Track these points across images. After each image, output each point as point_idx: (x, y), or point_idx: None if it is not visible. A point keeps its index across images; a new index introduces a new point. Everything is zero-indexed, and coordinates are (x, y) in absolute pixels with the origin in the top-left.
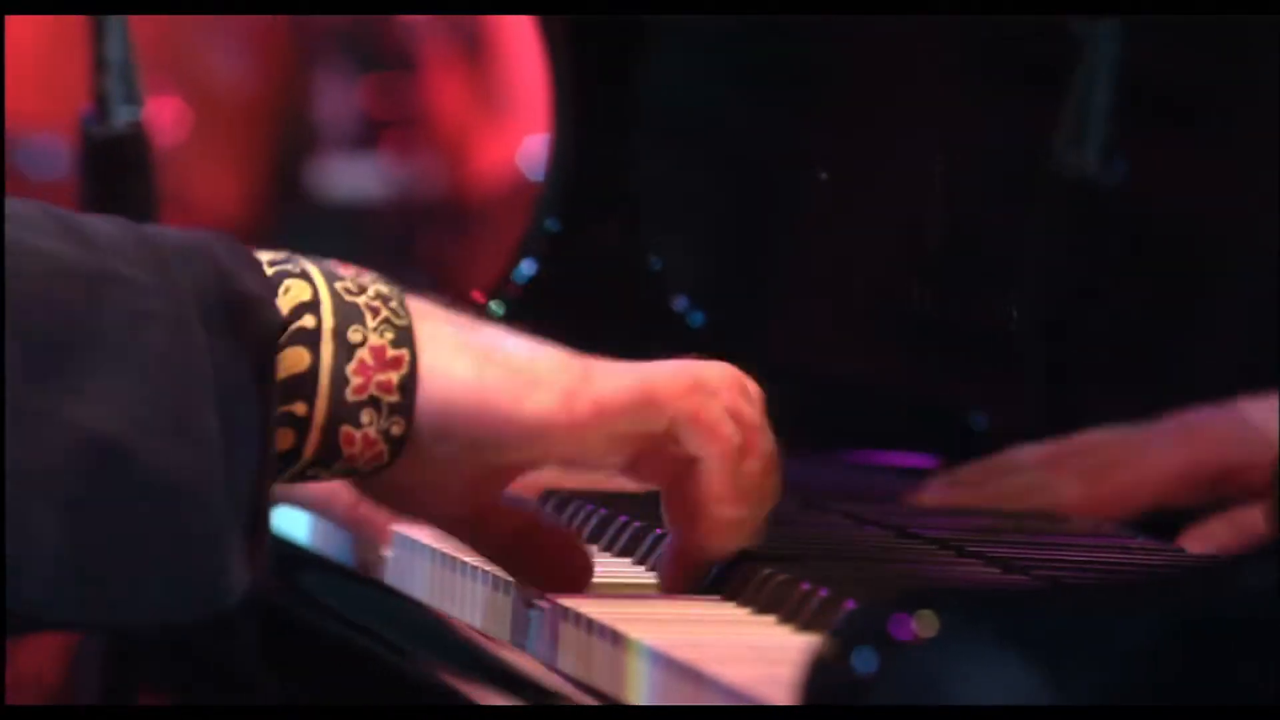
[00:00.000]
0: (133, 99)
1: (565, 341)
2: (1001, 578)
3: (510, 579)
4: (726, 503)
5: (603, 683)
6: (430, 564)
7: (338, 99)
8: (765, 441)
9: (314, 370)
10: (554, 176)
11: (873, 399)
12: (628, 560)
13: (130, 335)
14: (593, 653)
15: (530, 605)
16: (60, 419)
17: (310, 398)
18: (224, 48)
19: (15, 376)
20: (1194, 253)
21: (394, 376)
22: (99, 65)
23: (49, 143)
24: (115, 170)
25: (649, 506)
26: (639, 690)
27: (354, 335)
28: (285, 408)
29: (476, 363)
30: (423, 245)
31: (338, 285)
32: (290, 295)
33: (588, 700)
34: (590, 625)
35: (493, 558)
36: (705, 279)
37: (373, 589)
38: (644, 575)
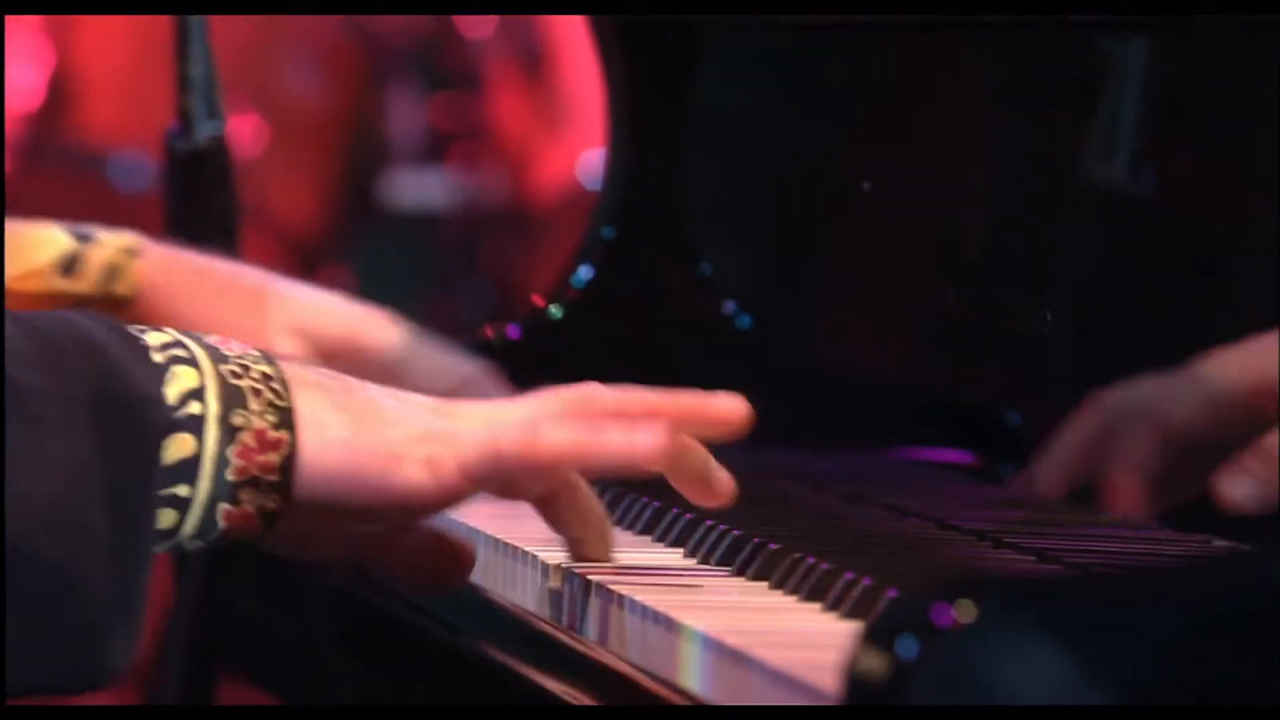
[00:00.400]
0: (214, 115)
1: (621, 343)
2: (1036, 567)
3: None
4: (572, 527)
5: (657, 666)
6: (485, 550)
7: (407, 115)
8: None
9: (198, 456)
10: (610, 187)
11: (912, 398)
12: (679, 552)
13: (24, 440)
14: (647, 638)
15: (598, 594)
16: None
17: (193, 481)
18: (299, 67)
19: None
20: (1218, 258)
21: (275, 458)
22: (183, 84)
23: (136, 157)
24: (198, 183)
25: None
26: (692, 673)
27: (237, 419)
28: (168, 490)
29: (349, 436)
30: (486, 252)
31: (223, 369)
32: (178, 382)
33: (644, 680)
34: (645, 612)
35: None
36: (752, 284)
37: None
38: (695, 565)
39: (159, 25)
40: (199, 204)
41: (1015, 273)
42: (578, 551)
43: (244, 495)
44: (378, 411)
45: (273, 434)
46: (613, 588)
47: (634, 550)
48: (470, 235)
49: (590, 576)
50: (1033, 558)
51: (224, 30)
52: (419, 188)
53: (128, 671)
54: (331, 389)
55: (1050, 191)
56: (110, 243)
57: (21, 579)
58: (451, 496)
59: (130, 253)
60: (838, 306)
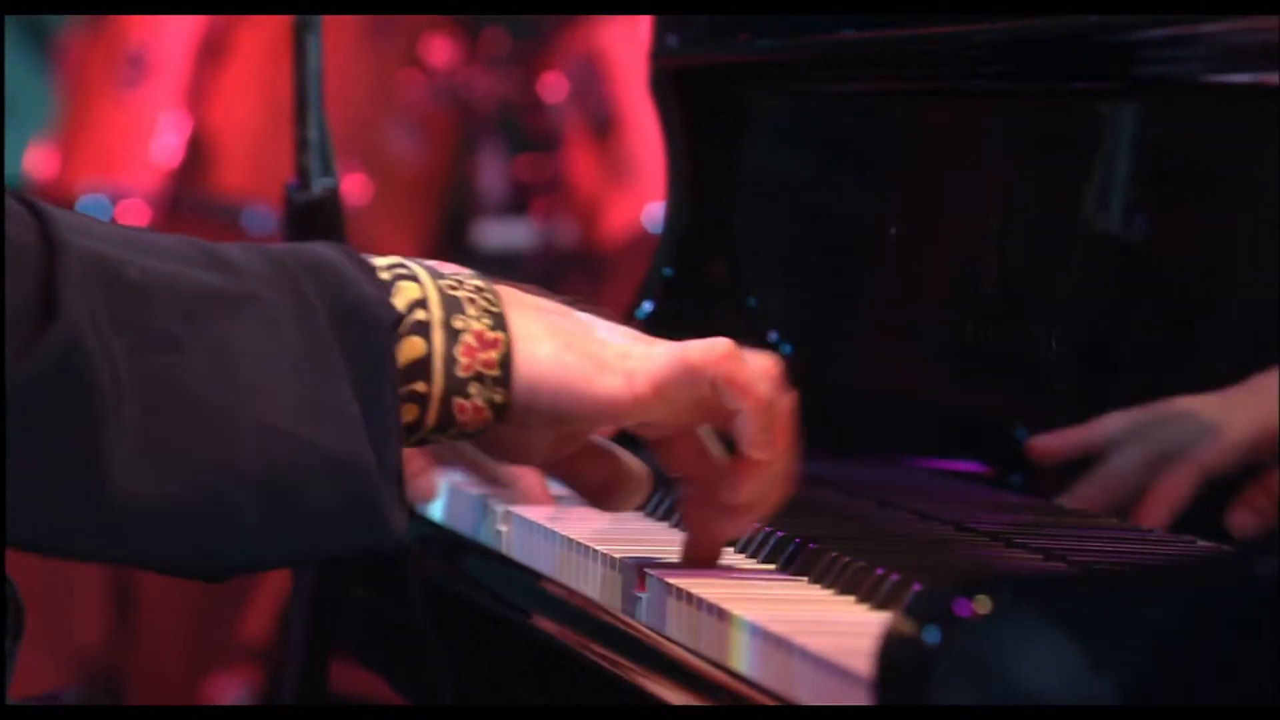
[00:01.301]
0: (328, 172)
1: None
2: (1043, 564)
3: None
4: (761, 447)
5: (710, 650)
6: (559, 547)
7: (494, 171)
8: (784, 399)
9: (428, 355)
10: (669, 232)
11: (934, 416)
12: (730, 549)
13: (271, 344)
14: (700, 625)
15: (661, 587)
16: (228, 408)
17: (428, 377)
18: (401, 131)
19: (193, 381)
20: (1201, 293)
21: (494, 355)
22: (301, 145)
23: (263, 208)
24: (313, 230)
25: None
26: (741, 657)
27: (458, 323)
28: (408, 386)
29: (558, 348)
30: (562, 290)
31: (441, 283)
32: (403, 295)
33: (698, 664)
34: (699, 603)
35: (572, 487)
36: (793, 316)
37: (512, 568)
38: (744, 562)
39: (282, 95)
40: None
41: (1025, 306)
42: (692, 496)
43: (473, 389)
44: (583, 330)
45: (490, 334)
46: (671, 581)
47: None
48: (549, 275)
49: (654, 572)
50: (1040, 556)
51: (336, 99)
52: (504, 234)
53: (404, 538)
54: (540, 308)
55: (1055, 236)
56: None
57: (295, 457)
58: (642, 407)
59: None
60: (867, 336)
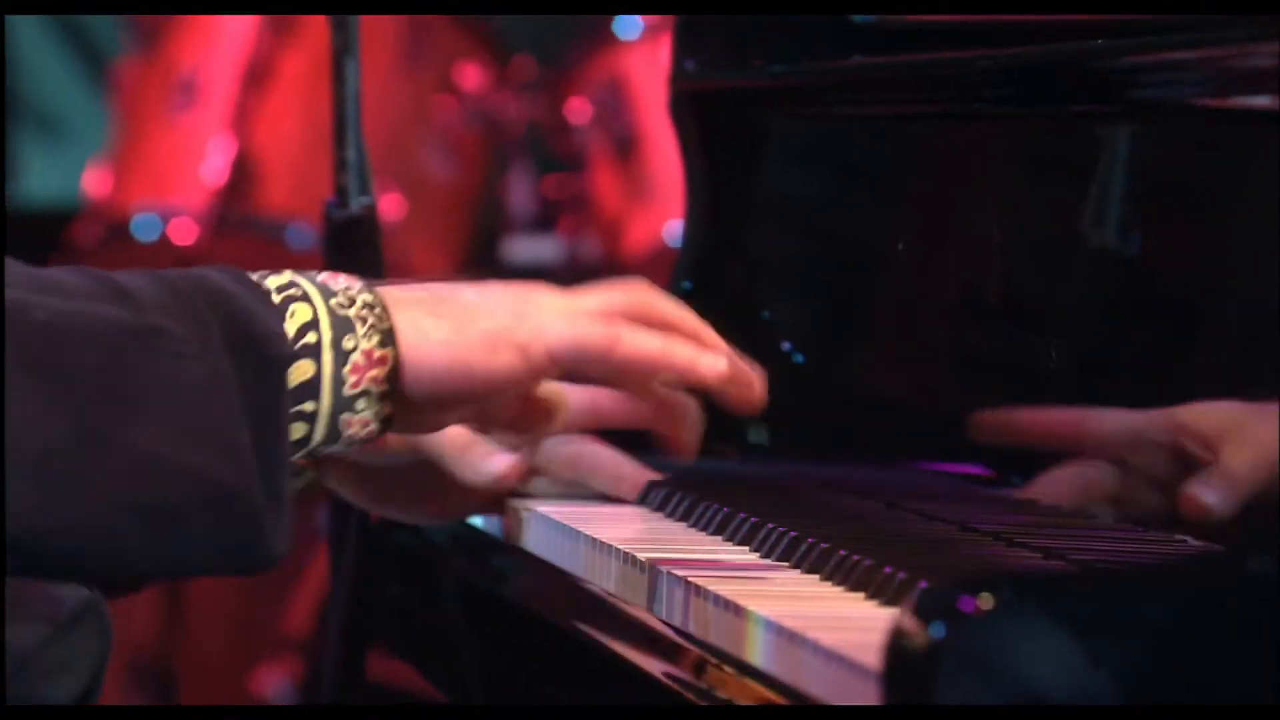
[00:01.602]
0: (365, 191)
1: None
2: (1043, 563)
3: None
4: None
5: (727, 644)
6: (583, 546)
7: (523, 190)
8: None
9: (317, 376)
10: (687, 248)
11: (938, 421)
12: (745, 549)
13: (172, 376)
14: (719, 620)
15: (680, 584)
16: (127, 443)
17: (316, 397)
18: (434, 152)
19: (92, 414)
20: (1193, 305)
21: (381, 372)
22: (339, 165)
23: (304, 225)
24: (351, 245)
25: (765, 505)
26: (756, 651)
27: (347, 343)
28: (297, 407)
29: (447, 338)
30: None
31: (332, 302)
32: (295, 318)
33: (716, 657)
34: (717, 599)
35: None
36: (805, 328)
37: (538, 565)
38: (758, 561)
39: (323, 118)
40: (353, 263)
41: (1025, 317)
42: (664, 438)
43: (360, 405)
44: (469, 310)
45: (378, 352)
46: (691, 579)
47: (708, 548)
48: (574, 287)
49: (673, 570)
50: (1040, 555)
51: (373, 122)
52: (532, 249)
53: (284, 557)
54: (425, 300)
55: (1054, 251)
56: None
57: (187, 488)
58: (540, 375)
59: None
60: (875, 345)
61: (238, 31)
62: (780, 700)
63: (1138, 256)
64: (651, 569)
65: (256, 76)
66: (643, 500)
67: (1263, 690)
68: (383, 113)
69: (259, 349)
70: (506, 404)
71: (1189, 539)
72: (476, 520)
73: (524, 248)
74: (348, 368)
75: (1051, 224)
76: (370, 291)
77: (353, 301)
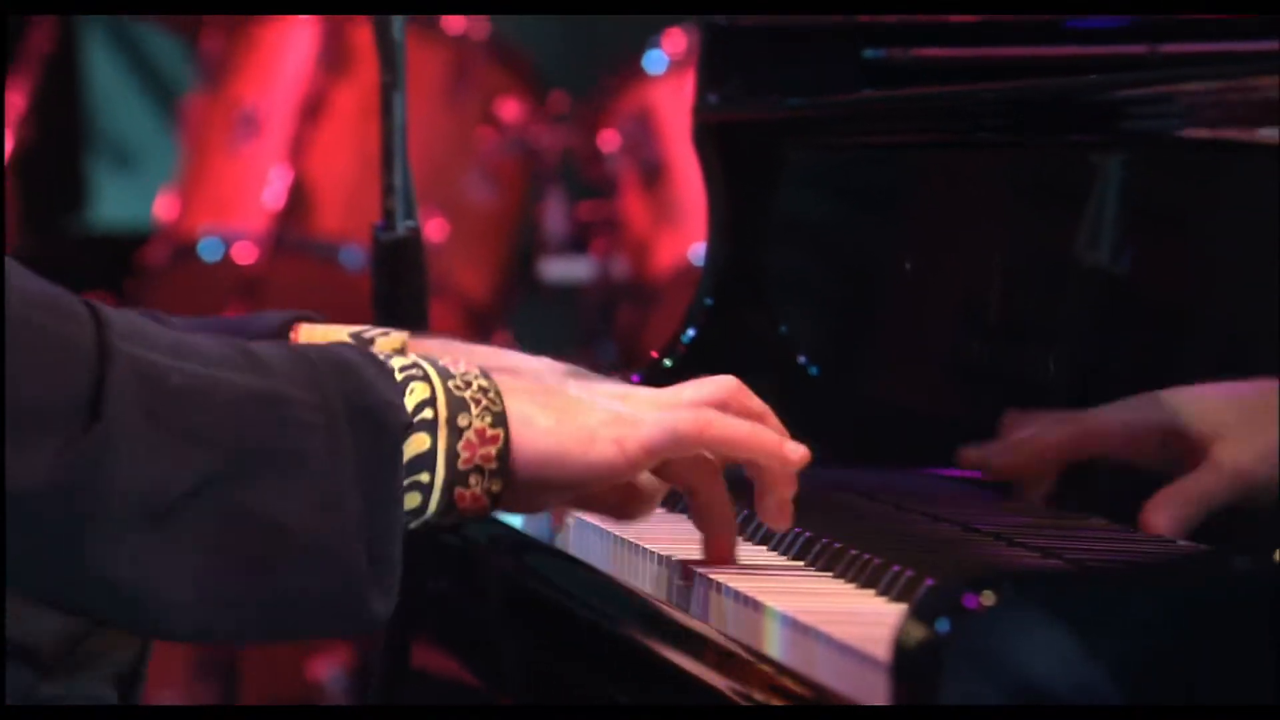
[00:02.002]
0: (410, 215)
1: None
2: (1040, 561)
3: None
4: (770, 482)
5: (746, 637)
6: (616, 547)
7: (557, 214)
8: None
9: (433, 450)
10: (710, 267)
11: (943, 428)
12: (764, 548)
13: (293, 443)
14: (739, 615)
15: (702, 581)
16: (247, 508)
17: (431, 469)
18: (476, 179)
19: (215, 477)
20: (1181, 321)
21: (492, 450)
22: (387, 191)
23: (355, 247)
24: (397, 265)
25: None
26: (773, 644)
27: (462, 421)
28: (412, 477)
29: (552, 428)
30: (617, 318)
31: (450, 384)
32: (414, 395)
33: (736, 649)
34: (736, 595)
35: (590, 510)
36: (819, 342)
37: (574, 565)
38: (776, 559)
39: (372, 148)
40: (399, 281)
41: (1024, 332)
42: (707, 541)
43: (472, 480)
44: (573, 405)
45: (490, 431)
46: (713, 576)
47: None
48: (605, 305)
49: (697, 568)
50: (1038, 554)
51: (419, 151)
52: (566, 269)
53: (386, 619)
54: (535, 392)
55: (1051, 270)
56: (384, 342)
57: (295, 551)
58: (636, 468)
59: (401, 349)
60: (885, 358)
61: (295, 69)
62: (796, 689)
63: (1128, 275)
64: (677, 567)
65: (312, 110)
66: (672, 506)
67: (1246, 680)
68: (428, 143)
69: (376, 419)
70: (606, 491)
71: (1178, 539)
72: (515, 520)
73: (558, 268)
74: (461, 443)
75: (1048, 245)
76: (486, 378)
77: (469, 384)
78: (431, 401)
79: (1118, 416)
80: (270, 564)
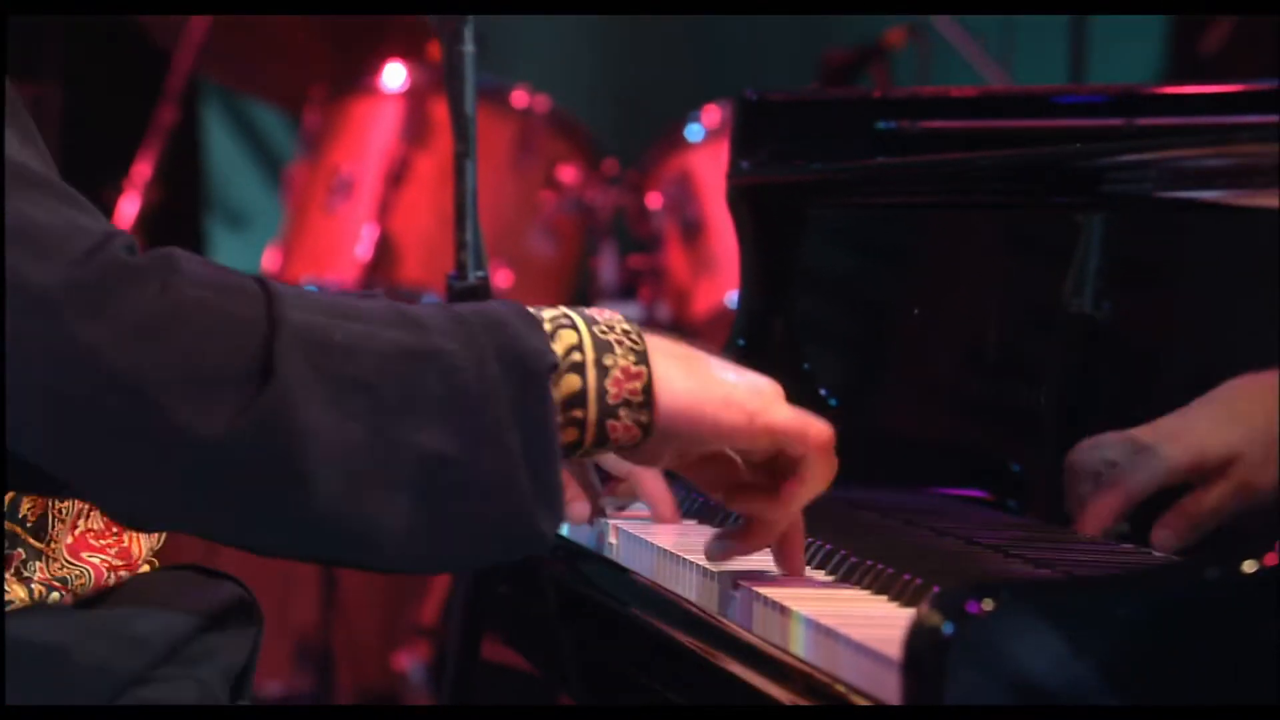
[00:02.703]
0: (480, 266)
1: None
2: (1034, 571)
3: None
4: (799, 491)
5: (775, 639)
6: (659, 558)
7: (610, 265)
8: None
9: (583, 388)
10: (742, 311)
11: (948, 453)
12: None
13: (448, 388)
14: (770, 619)
15: (735, 588)
16: (413, 444)
17: (584, 406)
18: (538, 235)
19: (382, 418)
20: (1154, 361)
21: (637, 385)
22: (459, 246)
23: (432, 295)
24: None
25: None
26: (799, 644)
27: (608, 361)
28: (569, 413)
29: (692, 385)
30: None
31: (595, 328)
32: (562, 340)
33: (767, 649)
34: (768, 601)
35: (696, 485)
36: (838, 377)
37: (621, 572)
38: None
39: (448, 208)
40: None
41: (1017, 369)
42: (784, 558)
43: (622, 413)
44: (715, 372)
45: (634, 368)
46: (748, 585)
47: (762, 559)
48: None
49: (735, 578)
50: (1031, 565)
51: (488, 211)
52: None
53: (552, 540)
54: (679, 354)
55: (1041, 314)
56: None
57: (463, 480)
58: (756, 441)
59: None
60: (895, 391)
61: (382, 140)
62: (819, 682)
63: (1109, 319)
64: (716, 576)
65: (396, 176)
66: (710, 521)
67: (1218, 677)
68: (497, 203)
69: (526, 364)
70: (715, 464)
71: (1153, 551)
72: (569, 533)
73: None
74: (609, 380)
75: (1038, 293)
76: (629, 323)
77: (612, 329)
78: (579, 346)
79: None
80: (445, 494)
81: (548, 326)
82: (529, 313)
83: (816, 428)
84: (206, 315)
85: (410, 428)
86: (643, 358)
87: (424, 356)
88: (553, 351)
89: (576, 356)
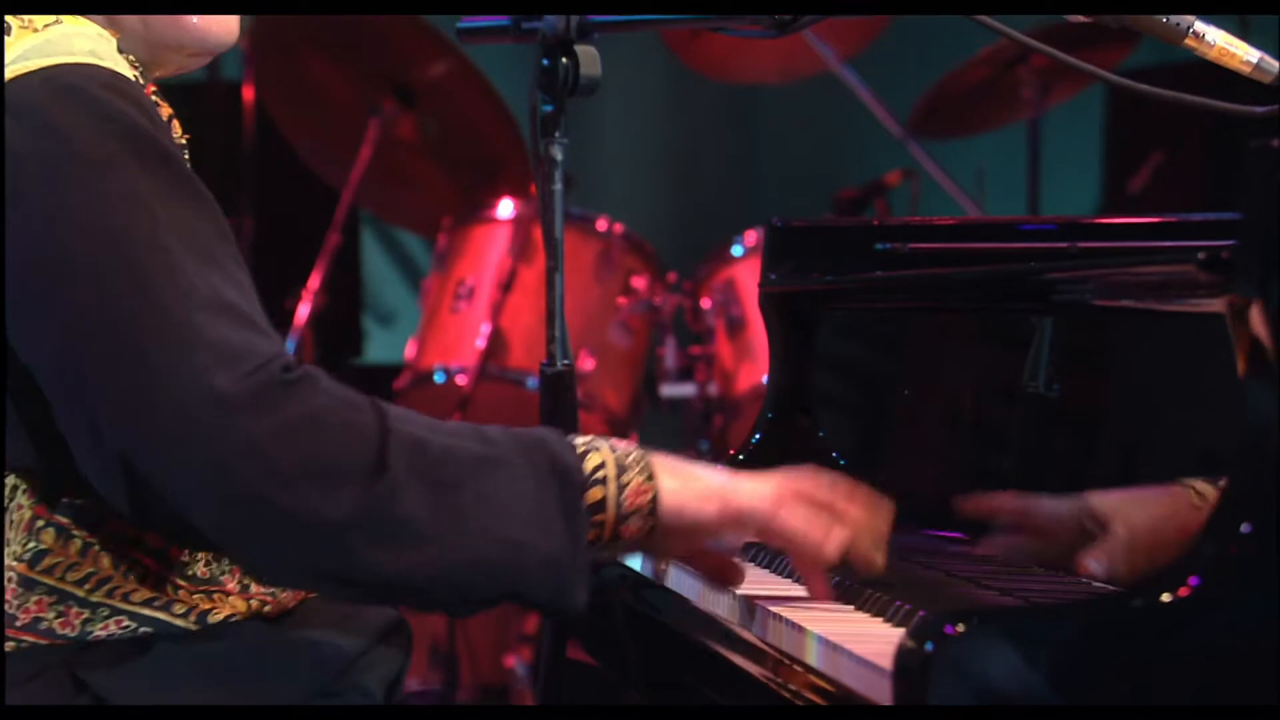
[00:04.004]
0: (565, 356)
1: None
2: (1000, 599)
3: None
4: (803, 565)
5: (793, 651)
6: (701, 584)
7: (672, 353)
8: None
9: (605, 498)
10: (771, 390)
11: (933, 503)
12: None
13: (512, 488)
14: (789, 635)
15: (753, 608)
16: (489, 530)
17: (604, 511)
18: (616, 329)
19: (465, 510)
20: (1093, 433)
21: (646, 499)
22: (549, 339)
23: (534, 376)
24: (557, 390)
25: None
26: (812, 656)
27: (625, 479)
28: (595, 516)
29: (677, 485)
30: (712, 425)
31: (617, 453)
32: (590, 461)
33: (786, 659)
34: (787, 622)
35: (696, 569)
36: (846, 442)
37: (672, 596)
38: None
39: (544, 309)
40: (559, 400)
41: (986, 436)
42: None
43: (633, 520)
44: (698, 476)
45: (644, 485)
46: (770, 608)
47: (782, 587)
48: (703, 415)
49: (758, 602)
50: (998, 593)
51: (577, 310)
52: (677, 390)
53: (585, 604)
54: (677, 467)
55: (1006, 395)
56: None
57: (525, 556)
58: (732, 526)
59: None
60: (891, 453)
61: (496, 257)
62: (827, 688)
63: (1059, 399)
64: (746, 601)
65: (506, 285)
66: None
67: (1144, 686)
68: (584, 305)
69: (566, 476)
70: (705, 556)
71: (1093, 581)
72: (635, 564)
73: (672, 389)
74: (625, 494)
75: (1002, 377)
76: (641, 450)
77: (629, 454)
78: (603, 465)
79: (1065, 508)
80: (512, 570)
81: (580, 449)
82: (567, 440)
83: (785, 507)
84: (336, 422)
85: (489, 518)
86: (650, 479)
87: (496, 465)
88: (583, 469)
89: (601, 473)
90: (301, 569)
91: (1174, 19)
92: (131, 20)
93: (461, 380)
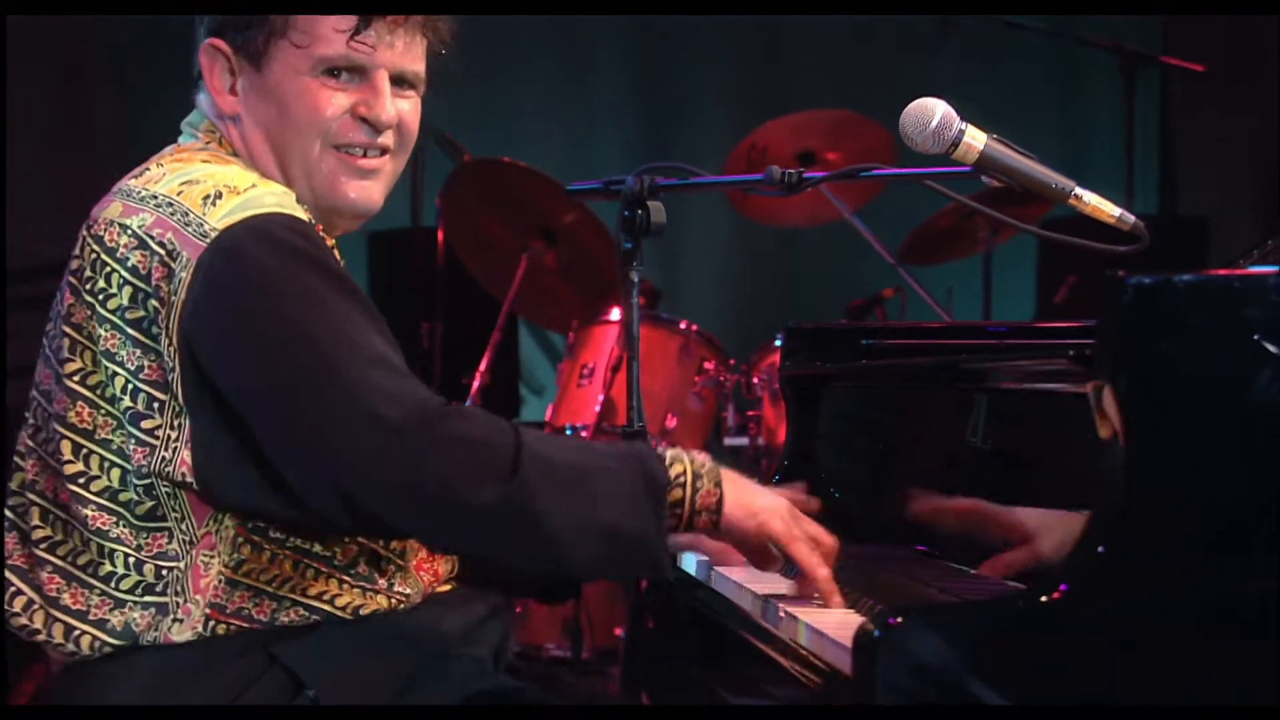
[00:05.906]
0: (640, 419)
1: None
2: (940, 595)
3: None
4: (806, 567)
5: (791, 635)
6: (729, 585)
7: (732, 416)
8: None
9: (684, 497)
10: (788, 444)
11: (908, 525)
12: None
13: (613, 489)
14: (787, 624)
15: (767, 604)
16: (600, 517)
17: (683, 507)
18: (692, 399)
19: (583, 504)
20: (1015, 473)
21: (713, 500)
22: (629, 406)
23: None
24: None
25: None
26: (803, 638)
27: (699, 484)
28: (675, 512)
29: (737, 507)
30: (760, 466)
31: (694, 464)
32: (674, 468)
33: (788, 640)
34: (786, 613)
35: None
36: (843, 482)
37: (715, 594)
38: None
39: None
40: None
41: (941, 476)
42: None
43: (703, 515)
44: (748, 493)
45: (713, 490)
46: (775, 603)
47: (785, 586)
48: (754, 460)
49: (770, 600)
50: (938, 590)
51: (664, 385)
52: (736, 442)
53: (669, 566)
54: (738, 481)
55: (954, 447)
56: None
57: (628, 537)
58: (759, 535)
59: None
60: (874, 489)
61: (608, 347)
62: (815, 661)
63: (993, 450)
64: (763, 599)
65: (615, 367)
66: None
67: (1035, 663)
68: (670, 382)
69: (655, 481)
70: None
71: (1009, 582)
72: (690, 569)
73: (732, 441)
74: (698, 495)
75: (955, 434)
76: (716, 464)
77: (704, 465)
78: (684, 473)
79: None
80: (615, 545)
81: (667, 459)
82: (656, 452)
83: (788, 534)
84: (481, 438)
85: (600, 509)
86: (718, 485)
87: (603, 471)
88: (668, 474)
89: (681, 478)
90: (468, 543)
91: (1059, 184)
92: (302, 188)
93: (585, 435)
